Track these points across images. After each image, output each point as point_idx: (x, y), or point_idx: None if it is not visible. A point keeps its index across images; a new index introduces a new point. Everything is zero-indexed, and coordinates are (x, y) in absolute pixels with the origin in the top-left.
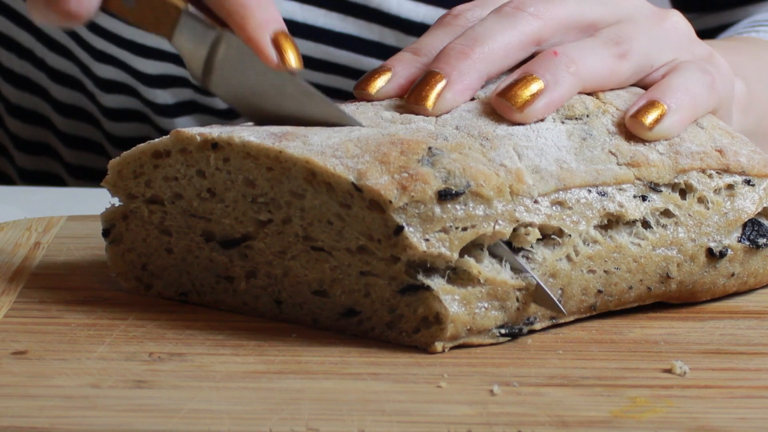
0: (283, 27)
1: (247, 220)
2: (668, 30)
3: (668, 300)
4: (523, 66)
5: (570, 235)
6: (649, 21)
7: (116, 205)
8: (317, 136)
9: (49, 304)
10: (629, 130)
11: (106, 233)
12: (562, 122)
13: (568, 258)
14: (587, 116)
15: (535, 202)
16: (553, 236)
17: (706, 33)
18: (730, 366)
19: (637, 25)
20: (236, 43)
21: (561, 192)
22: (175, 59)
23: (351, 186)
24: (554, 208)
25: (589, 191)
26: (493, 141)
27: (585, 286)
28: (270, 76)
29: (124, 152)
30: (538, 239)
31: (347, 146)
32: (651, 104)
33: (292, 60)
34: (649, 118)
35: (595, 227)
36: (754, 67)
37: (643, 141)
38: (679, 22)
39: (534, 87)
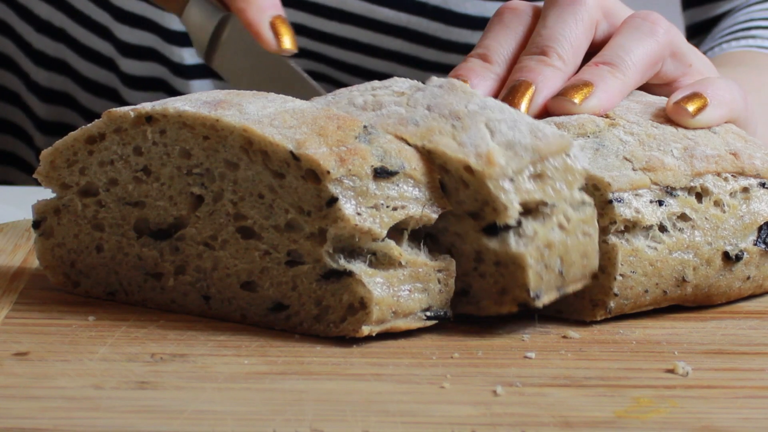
0: (281, 12)
1: (181, 201)
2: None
3: (683, 303)
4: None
5: (555, 205)
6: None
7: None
8: (252, 105)
9: (50, 305)
10: (671, 116)
11: (36, 225)
12: (574, 139)
13: (561, 226)
14: (599, 132)
15: (511, 180)
16: (540, 208)
17: (696, 27)
18: (732, 366)
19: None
20: (240, 26)
21: (538, 164)
22: None
23: (289, 154)
24: (533, 181)
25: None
26: (464, 120)
27: (583, 251)
28: (267, 59)
29: (57, 141)
30: (526, 213)
31: (284, 117)
32: (695, 95)
33: (287, 43)
34: (693, 106)
35: (581, 189)
36: (756, 101)
37: (658, 146)
38: None
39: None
